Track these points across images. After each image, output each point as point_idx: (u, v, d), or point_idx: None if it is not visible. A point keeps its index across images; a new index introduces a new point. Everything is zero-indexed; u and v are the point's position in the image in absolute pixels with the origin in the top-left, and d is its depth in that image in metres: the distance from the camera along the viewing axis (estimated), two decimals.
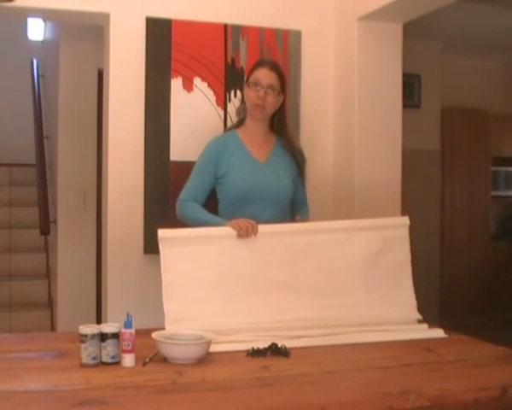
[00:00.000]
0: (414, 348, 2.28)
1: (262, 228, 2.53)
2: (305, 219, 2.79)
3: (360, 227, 2.65)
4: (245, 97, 2.84)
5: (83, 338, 1.96)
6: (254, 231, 2.49)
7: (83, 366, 1.95)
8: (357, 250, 2.59)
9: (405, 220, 2.69)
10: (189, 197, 2.82)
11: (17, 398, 1.66)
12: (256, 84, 2.75)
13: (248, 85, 2.79)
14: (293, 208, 2.92)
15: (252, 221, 2.51)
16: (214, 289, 2.42)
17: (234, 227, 2.49)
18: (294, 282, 2.51)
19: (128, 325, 1.98)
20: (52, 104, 5.58)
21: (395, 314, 2.54)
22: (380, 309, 2.53)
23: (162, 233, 2.48)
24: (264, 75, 2.76)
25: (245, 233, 2.47)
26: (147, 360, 1.99)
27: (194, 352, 2.02)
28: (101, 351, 1.97)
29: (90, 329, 1.97)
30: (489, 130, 6.70)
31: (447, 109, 6.42)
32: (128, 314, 2.00)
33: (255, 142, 2.83)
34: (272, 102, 2.77)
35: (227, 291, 2.43)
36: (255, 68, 2.82)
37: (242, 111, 2.89)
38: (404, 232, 2.66)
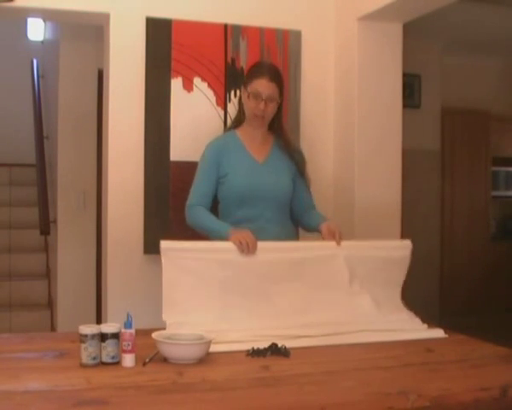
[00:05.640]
0: (414, 348, 2.28)
1: (264, 245, 2.52)
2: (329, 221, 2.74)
3: (363, 247, 2.68)
4: (244, 103, 2.83)
5: (83, 338, 1.95)
6: (252, 250, 2.47)
7: (83, 366, 1.95)
8: (358, 266, 2.58)
9: (408, 244, 2.68)
10: (195, 202, 2.80)
11: (17, 398, 1.66)
12: (256, 96, 2.73)
13: (248, 96, 2.77)
14: (300, 214, 2.89)
15: (252, 238, 2.49)
16: (215, 301, 2.41)
17: (234, 242, 2.48)
18: (294, 295, 2.50)
19: (128, 325, 1.98)
20: (52, 104, 5.58)
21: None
22: (381, 316, 2.55)
23: (164, 245, 2.45)
24: (265, 87, 2.73)
25: (245, 250, 2.46)
26: (147, 360, 1.99)
27: (194, 352, 2.02)
28: (101, 351, 1.97)
29: (90, 329, 1.96)
30: (489, 130, 6.70)
31: (447, 109, 6.41)
32: (128, 315, 2.00)
33: (254, 142, 2.84)
34: (271, 111, 2.77)
35: (228, 304, 2.42)
36: (255, 77, 2.77)
37: (242, 114, 2.88)
38: (406, 256, 2.67)
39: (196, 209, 2.79)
